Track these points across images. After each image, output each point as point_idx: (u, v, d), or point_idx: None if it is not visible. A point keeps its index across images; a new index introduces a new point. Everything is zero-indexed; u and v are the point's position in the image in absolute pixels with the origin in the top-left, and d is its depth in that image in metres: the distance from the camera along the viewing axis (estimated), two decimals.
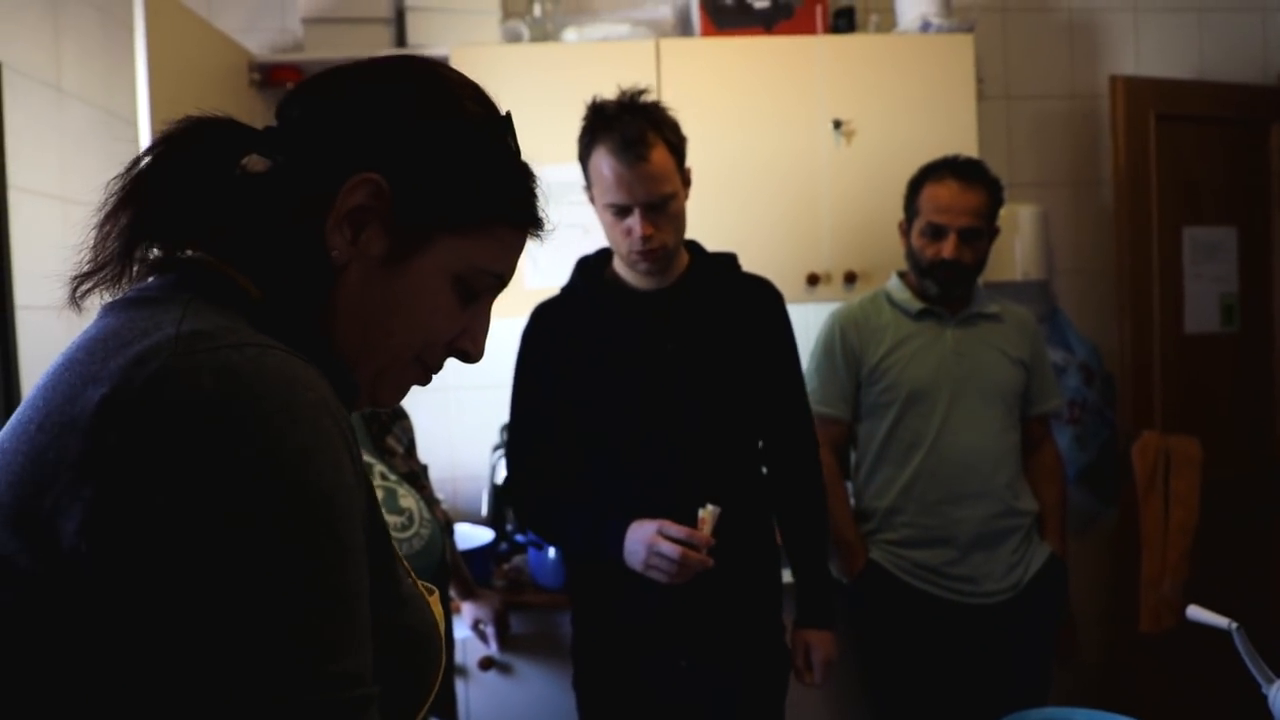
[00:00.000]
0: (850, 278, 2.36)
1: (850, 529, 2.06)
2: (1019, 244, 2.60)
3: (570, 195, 2.39)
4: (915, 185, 2.07)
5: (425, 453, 2.02)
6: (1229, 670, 1.51)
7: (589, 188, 1.71)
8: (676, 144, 1.66)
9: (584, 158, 1.68)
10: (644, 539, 1.55)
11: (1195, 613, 1.33)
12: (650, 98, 1.67)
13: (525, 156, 0.79)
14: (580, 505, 1.69)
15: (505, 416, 2.61)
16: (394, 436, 1.80)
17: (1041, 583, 2.02)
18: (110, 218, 0.67)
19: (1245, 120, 2.73)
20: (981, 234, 2.01)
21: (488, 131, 0.74)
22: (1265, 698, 1.23)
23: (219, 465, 0.54)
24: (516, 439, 1.79)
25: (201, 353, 0.58)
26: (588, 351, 1.71)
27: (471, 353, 0.78)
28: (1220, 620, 1.29)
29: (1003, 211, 2.10)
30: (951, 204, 1.98)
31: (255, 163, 0.71)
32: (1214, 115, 2.70)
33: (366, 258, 0.70)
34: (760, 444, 1.82)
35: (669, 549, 1.52)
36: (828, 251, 2.38)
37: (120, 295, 0.67)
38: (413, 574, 0.76)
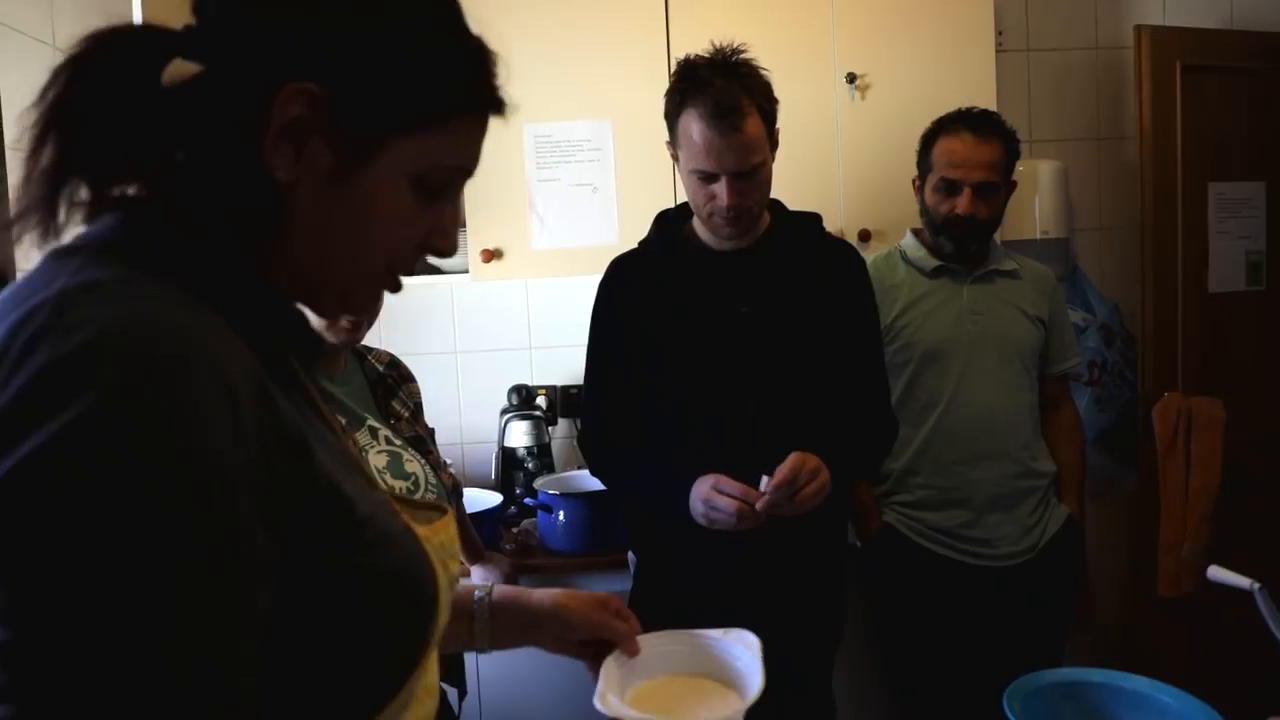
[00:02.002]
0: (865, 236, 2.31)
1: (864, 492, 2.02)
2: (1039, 201, 2.54)
3: (578, 153, 2.36)
4: (928, 139, 2.01)
5: (434, 418, 2.00)
6: (1247, 634, 1.48)
7: (673, 144, 1.66)
8: (769, 109, 1.60)
9: (671, 115, 1.63)
10: (701, 494, 1.54)
11: (1216, 573, 1.30)
12: (745, 55, 1.60)
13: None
14: (650, 460, 1.68)
15: (513, 380, 2.64)
16: (400, 400, 1.79)
17: (1058, 545, 1.99)
18: (31, 158, 0.61)
19: (1275, 71, 2.64)
20: (997, 188, 1.95)
21: (431, 15, 0.67)
22: None
23: (62, 428, 0.49)
24: (591, 390, 1.78)
25: (79, 308, 0.53)
26: (662, 309, 1.68)
27: (443, 248, 0.72)
28: (1242, 580, 1.26)
29: (1022, 168, 2.04)
30: (966, 158, 1.92)
31: (178, 70, 0.62)
32: (1243, 66, 2.60)
33: (314, 174, 0.64)
34: (836, 414, 1.71)
35: (724, 503, 1.50)
36: (841, 209, 2.32)
37: (58, 244, 0.62)
38: (404, 511, 0.72)
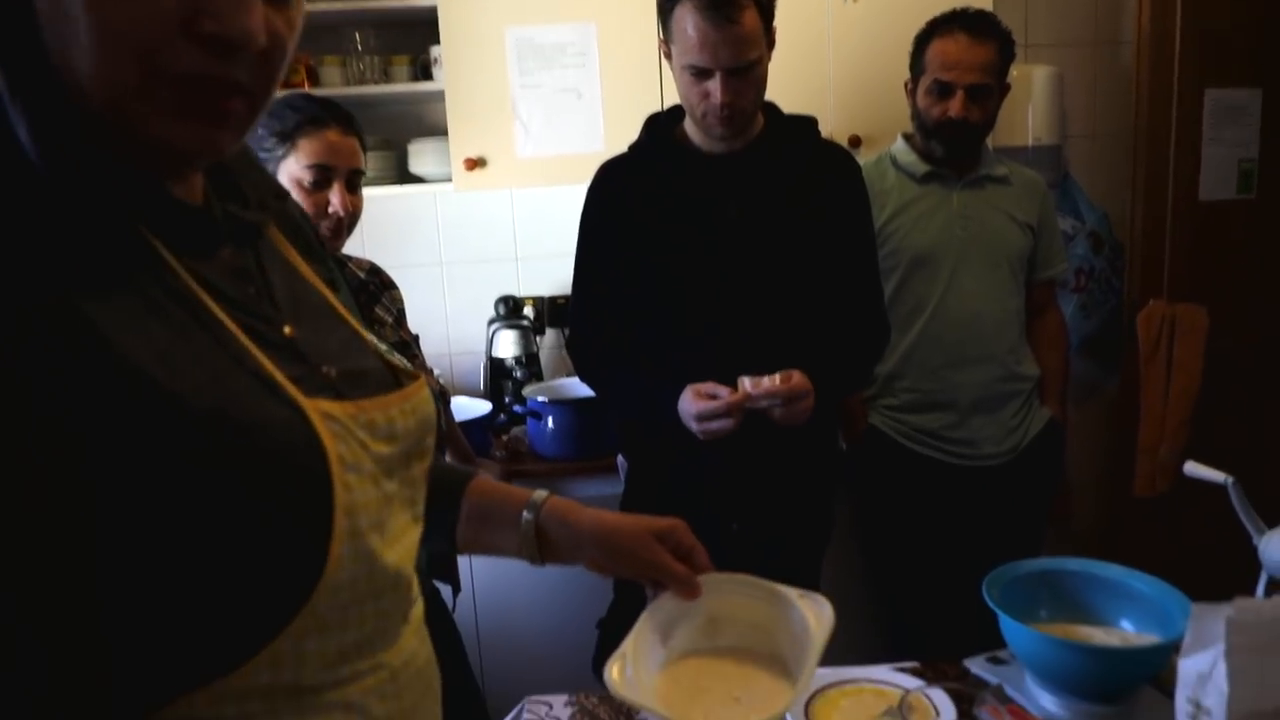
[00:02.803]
0: (855, 141, 2.28)
1: (850, 395, 2.05)
2: (1032, 109, 2.51)
3: (562, 58, 2.31)
4: (922, 40, 1.97)
5: (420, 329, 2.00)
6: (1218, 534, 1.52)
7: (666, 41, 1.62)
8: (767, 4, 1.56)
9: (664, 9, 1.58)
10: (691, 408, 1.54)
11: (1192, 468, 1.33)
12: None
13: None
14: (639, 367, 1.68)
15: (500, 291, 2.63)
16: (382, 306, 1.78)
17: (1040, 446, 2.02)
18: None
19: None
20: (991, 91, 1.92)
21: None
22: (1255, 549, 1.23)
23: None
24: (580, 295, 1.77)
25: None
26: (652, 212, 1.66)
27: (220, 32, 0.58)
28: (1216, 475, 1.29)
29: (1016, 73, 2.01)
30: (960, 59, 1.89)
31: None
32: None
33: None
34: (828, 320, 1.71)
35: (717, 405, 1.51)
36: (832, 115, 2.29)
37: None
38: (292, 388, 0.65)
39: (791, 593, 0.89)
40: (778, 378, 1.52)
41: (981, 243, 1.97)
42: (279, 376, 0.64)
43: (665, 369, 1.63)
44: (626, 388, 1.72)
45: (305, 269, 0.82)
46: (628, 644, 0.87)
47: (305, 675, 0.62)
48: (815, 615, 0.86)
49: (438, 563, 2.04)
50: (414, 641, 0.74)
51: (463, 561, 2.19)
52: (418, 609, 0.78)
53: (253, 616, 0.60)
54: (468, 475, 0.98)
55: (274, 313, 0.71)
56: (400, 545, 0.72)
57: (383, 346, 0.83)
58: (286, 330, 0.71)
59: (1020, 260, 2.01)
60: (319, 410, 0.65)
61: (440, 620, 1.89)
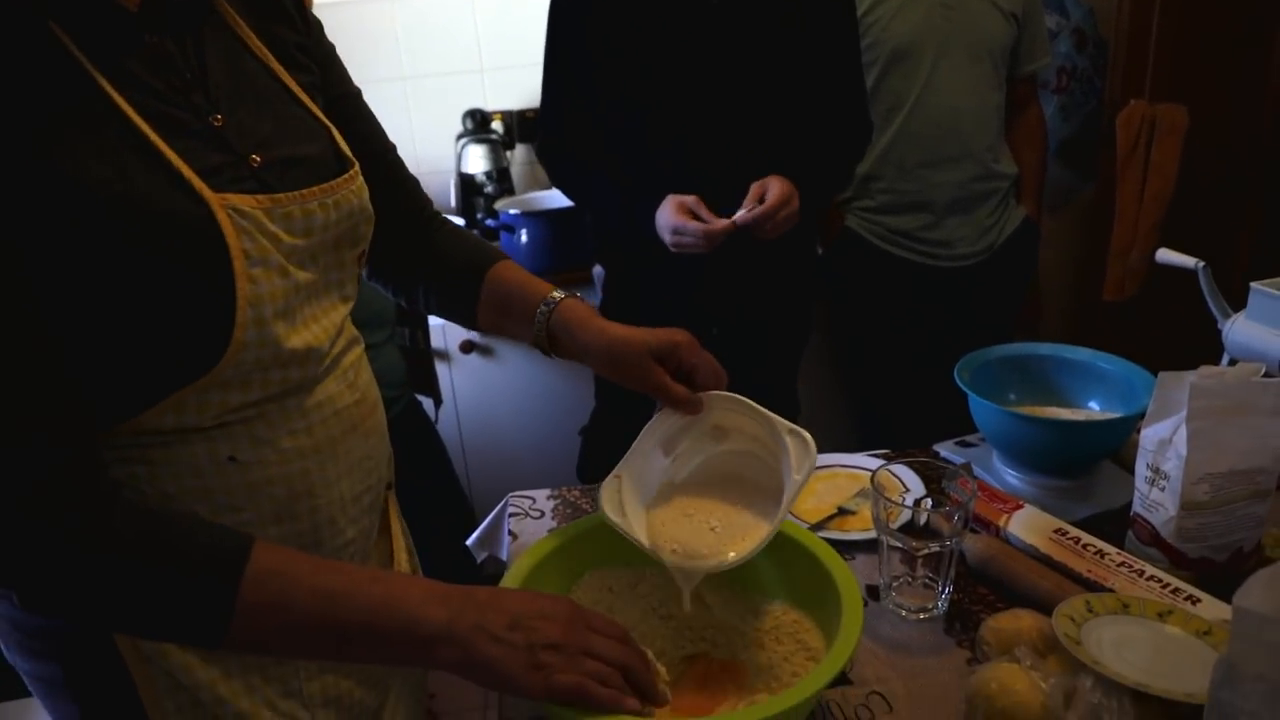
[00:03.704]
0: None
1: None
2: None
3: None
4: None
5: None
6: (1183, 335, 1.56)
7: None
8: None
9: None
10: (668, 221, 1.47)
11: (1165, 255, 1.35)
12: None
13: None
14: (614, 175, 1.61)
15: (467, 105, 2.54)
16: None
17: (1014, 246, 2.03)
18: None
19: None
20: None
21: None
22: (1219, 333, 1.27)
23: None
24: (550, 96, 1.68)
25: None
26: (624, 6, 1.57)
27: None
28: (1187, 260, 1.30)
29: None
30: None
31: None
32: None
33: None
34: (809, 115, 1.64)
35: (693, 227, 1.44)
36: None
37: None
38: (199, 181, 0.69)
39: (782, 426, 0.88)
40: (762, 199, 1.45)
41: (964, 33, 1.90)
42: (187, 171, 0.68)
43: (642, 172, 1.58)
44: (604, 196, 1.67)
45: (258, 45, 0.80)
46: (624, 464, 0.90)
47: (206, 420, 0.71)
48: (798, 455, 0.85)
49: (418, 377, 2.07)
50: (336, 387, 0.81)
51: (443, 374, 2.22)
52: (350, 356, 0.85)
53: (165, 373, 0.69)
54: (490, 261, 0.99)
55: (203, 101, 0.73)
56: (316, 326, 0.78)
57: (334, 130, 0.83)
58: (217, 120, 0.73)
59: (1003, 53, 1.95)
60: (226, 205, 0.69)
61: (422, 431, 1.93)
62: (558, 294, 0.95)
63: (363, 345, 0.90)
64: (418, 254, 1.00)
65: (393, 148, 1.00)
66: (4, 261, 0.61)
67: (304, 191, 0.76)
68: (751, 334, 1.73)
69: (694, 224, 1.44)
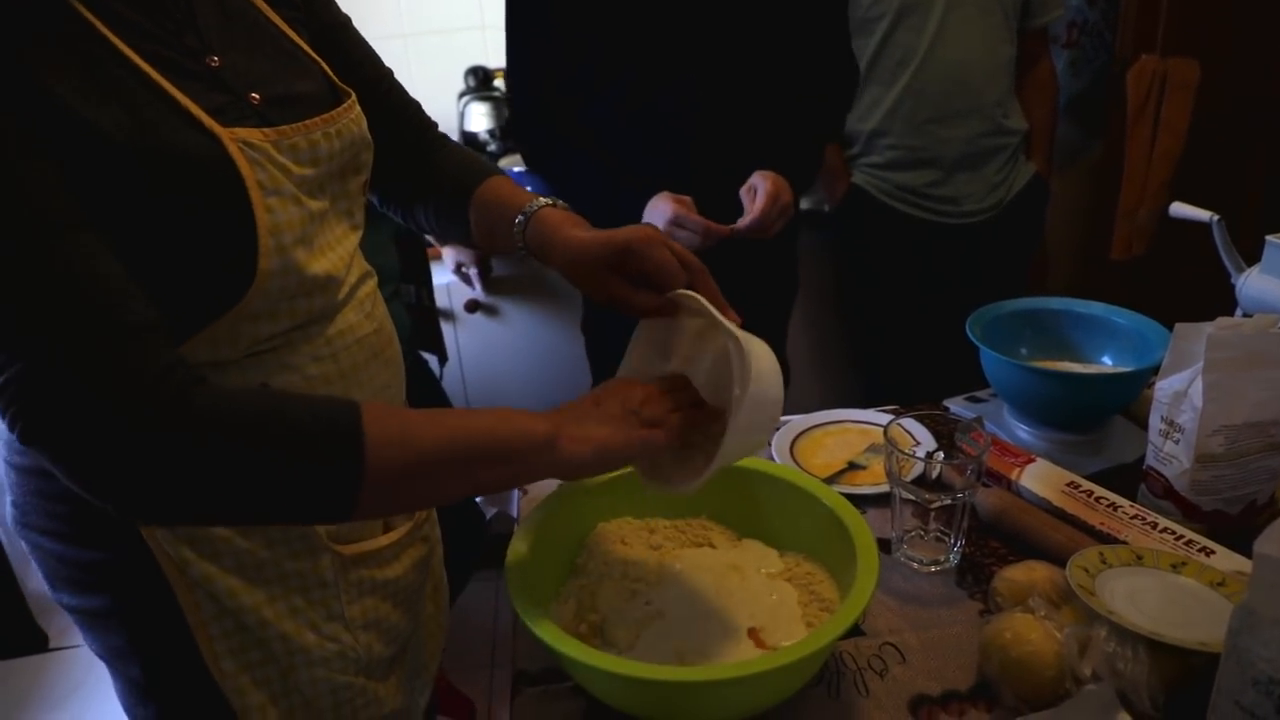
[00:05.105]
0: None
1: (835, 154, 2.00)
2: None
3: None
4: None
5: None
6: (1190, 294, 1.54)
7: None
8: None
9: None
10: (665, 214, 1.38)
11: (1179, 209, 1.33)
12: None
13: None
14: (595, 158, 1.52)
15: (469, 62, 2.50)
16: None
17: (1023, 202, 2.01)
18: None
19: None
20: None
21: None
22: (1233, 288, 1.25)
23: None
24: (516, 70, 1.57)
25: None
26: None
27: None
28: (1202, 214, 1.29)
29: None
30: None
31: None
32: None
33: None
34: (794, 63, 1.56)
35: (687, 235, 1.36)
36: None
37: None
38: (209, 119, 0.70)
39: (729, 333, 0.78)
40: (760, 204, 1.39)
41: None
42: (195, 109, 0.69)
43: (619, 159, 1.49)
44: (580, 184, 1.53)
45: None
46: (622, 371, 0.87)
47: (239, 351, 0.74)
48: (738, 368, 0.75)
49: (423, 334, 2.06)
50: (354, 316, 0.83)
51: (448, 333, 2.22)
52: (366, 288, 0.87)
53: (198, 306, 0.71)
54: (478, 180, 0.97)
55: (197, 43, 0.74)
56: (333, 254, 0.80)
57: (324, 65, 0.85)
58: (213, 61, 0.75)
59: (1014, 4, 1.91)
60: (236, 139, 0.71)
61: (428, 387, 1.93)
62: (536, 202, 0.90)
63: (375, 279, 0.91)
64: (417, 178, 1.00)
65: (388, 74, 1.00)
66: (55, 187, 0.61)
67: (306, 123, 0.77)
68: (741, 294, 1.69)
69: (696, 218, 1.36)
